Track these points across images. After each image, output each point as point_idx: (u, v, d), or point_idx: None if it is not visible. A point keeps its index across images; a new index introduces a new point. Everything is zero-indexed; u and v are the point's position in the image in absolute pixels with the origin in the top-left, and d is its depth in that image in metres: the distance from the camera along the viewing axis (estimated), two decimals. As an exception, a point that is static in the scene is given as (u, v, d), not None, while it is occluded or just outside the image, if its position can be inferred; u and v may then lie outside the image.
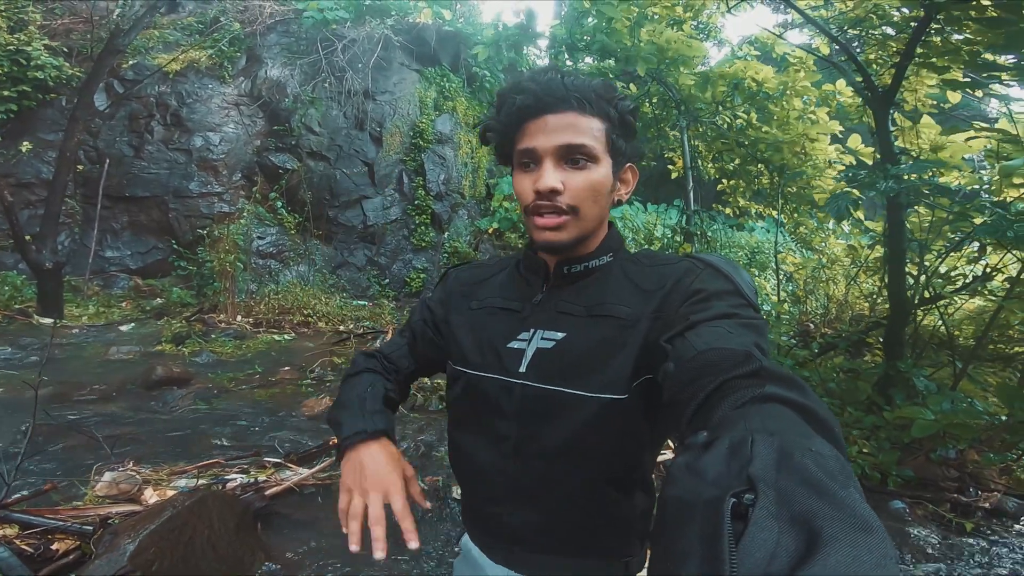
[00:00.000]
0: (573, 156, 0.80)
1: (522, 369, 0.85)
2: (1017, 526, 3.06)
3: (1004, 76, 3.59)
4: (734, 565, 0.32)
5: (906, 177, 3.88)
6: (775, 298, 7.21)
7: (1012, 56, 3.53)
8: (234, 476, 2.87)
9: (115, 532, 2.00)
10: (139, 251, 7.91)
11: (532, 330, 0.87)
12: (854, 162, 6.07)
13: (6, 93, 7.13)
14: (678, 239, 5.67)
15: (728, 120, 6.17)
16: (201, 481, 2.78)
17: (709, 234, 6.10)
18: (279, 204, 7.41)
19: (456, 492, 2.92)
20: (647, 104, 6.33)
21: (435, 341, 1.00)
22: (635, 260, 0.88)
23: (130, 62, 7.59)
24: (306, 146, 7.48)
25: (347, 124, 7.58)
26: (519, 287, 0.93)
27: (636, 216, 9.39)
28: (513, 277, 0.96)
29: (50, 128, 7.50)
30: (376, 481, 0.83)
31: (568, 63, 8.27)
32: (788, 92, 6.05)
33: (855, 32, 4.27)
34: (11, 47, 7.13)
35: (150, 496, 2.56)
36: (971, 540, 2.82)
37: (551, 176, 0.79)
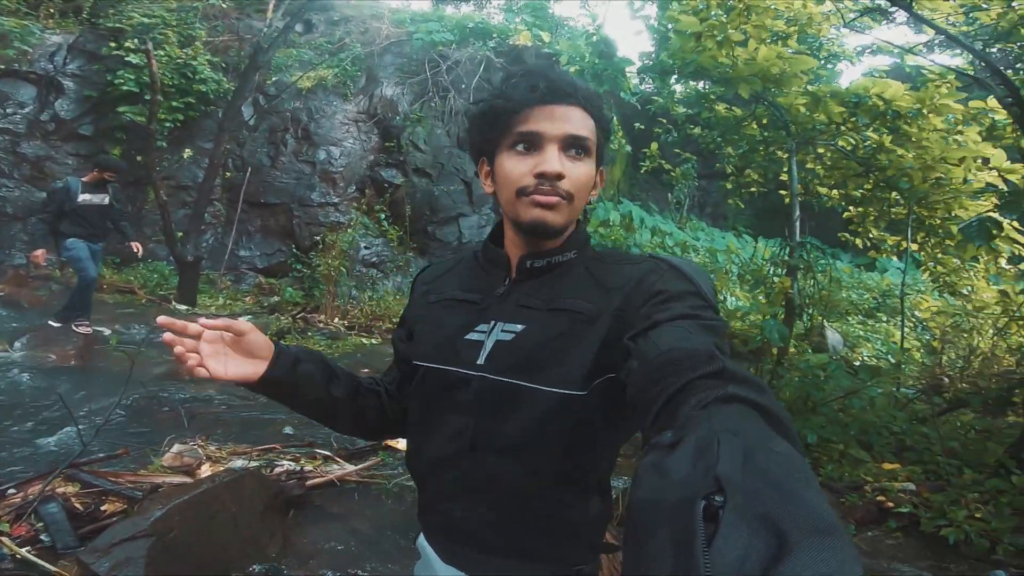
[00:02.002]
0: (576, 146, 0.83)
1: (480, 361, 0.85)
2: None
3: None
4: (708, 567, 0.32)
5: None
6: (899, 343, 6.37)
7: None
8: (284, 463, 3.05)
9: (152, 498, 2.19)
10: (266, 252, 8.80)
11: (492, 322, 0.87)
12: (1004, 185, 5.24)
13: (175, 103, 8.23)
14: (778, 272, 5.19)
15: (854, 142, 5.59)
16: (254, 463, 2.98)
17: (817, 269, 5.50)
18: (382, 216, 7.90)
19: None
20: (754, 126, 5.94)
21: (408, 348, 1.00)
22: (599, 258, 0.89)
23: (273, 79, 8.52)
24: (412, 163, 7.94)
25: (449, 143, 7.94)
26: (479, 279, 0.93)
27: (744, 248, 8.78)
28: (472, 269, 0.96)
29: (208, 137, 8.57)
30: None
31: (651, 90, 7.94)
32: (925, 111, 5.35)
33: (1001, 47, 3.68)
34: (180, 60, 8.18)
35: (205, 471, 2.78)
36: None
37: (557, 161, 0.81)
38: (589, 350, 0.79)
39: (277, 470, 2.93)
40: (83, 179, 5.43)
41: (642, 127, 8.60)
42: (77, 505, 2.20)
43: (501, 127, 0.84)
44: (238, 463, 2.99)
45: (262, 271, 8.71)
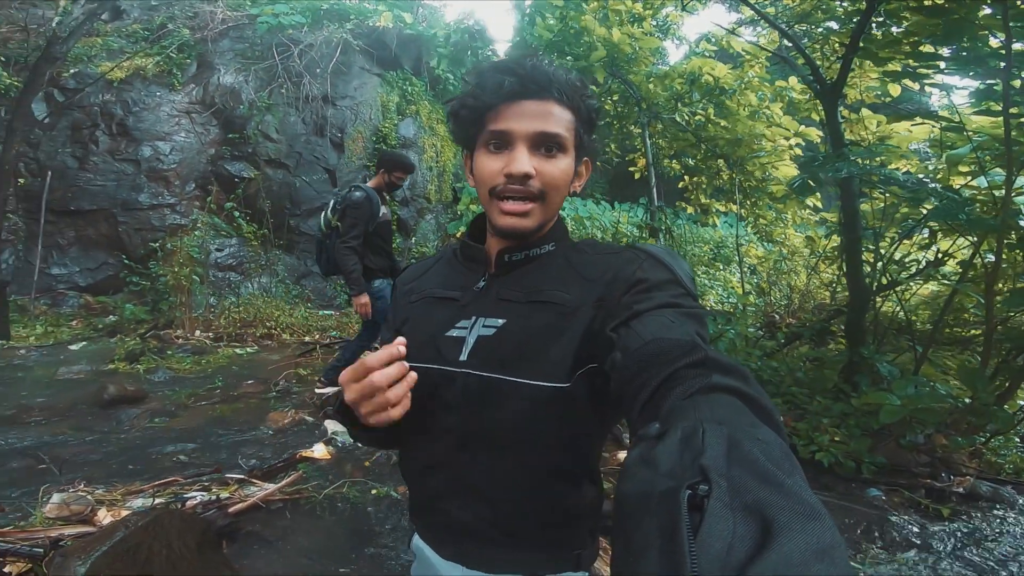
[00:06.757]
0: (547, 144, 0.80)
1: (463, 357, 0.83)
2: (995, 511, 2.92)
3: (941, 65, 3.67)
4: (694, 557, 0.32)
5: (859, 161, 3.94)
6: (740, 290, 7.34)
7: (949, 48, 3.62)
8: (194, 494, 2.73)
9: (65, 554, 1.87)
10: (88, 267, 7.55)
11: (473, 318, 0.86)
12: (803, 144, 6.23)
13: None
14: (644, 235, 5.70)
15: (687, 117, 6.26)
16: (158, 500, 2.63)
17: (674, 230, 6.14)
18: (236, 214, 7.18)
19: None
20: (608, 101, 6.38)
21: None
22: (578, 249, 0.88)
23: (71, 71, 7.25)
24: (263, 153, 7.28)
25: (306, 130, 7.41)
26: (459, 276, 0.93)
27: (603, 215, 9.46)
28: (452, 266, 0.95)
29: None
30: None
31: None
32: (743, 87, 6.16)
33: (801, 28, 4.37)
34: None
35: (104, 517, 2.41)
36: (949, 526, 2.75)
37: (525, 161, 0.79)
38: (571, 341, 0.79)
39: (190, 503, 2.62)
40: (368, 183, 3.73)
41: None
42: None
43: (476, 125, 0.84)
44: (138, 502, 2.63)
45: (86, 289, 7.46)
